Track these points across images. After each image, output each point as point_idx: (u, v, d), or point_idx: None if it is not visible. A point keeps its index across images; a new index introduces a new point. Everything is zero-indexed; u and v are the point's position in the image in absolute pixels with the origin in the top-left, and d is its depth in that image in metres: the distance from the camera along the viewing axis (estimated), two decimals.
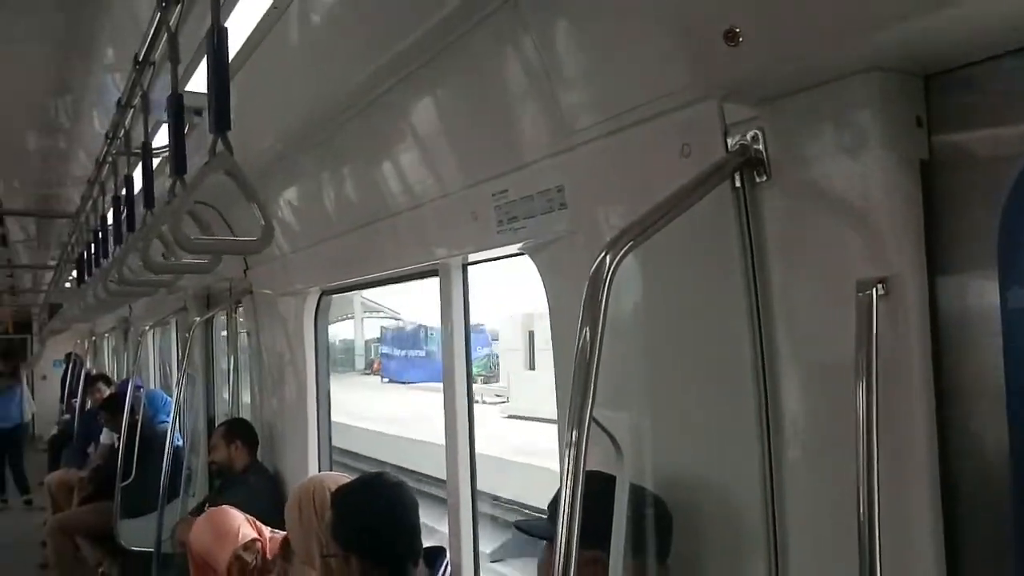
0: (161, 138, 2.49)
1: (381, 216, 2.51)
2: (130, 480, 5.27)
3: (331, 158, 2.39)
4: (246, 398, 5.28)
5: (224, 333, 5.31)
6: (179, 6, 1.39)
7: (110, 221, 3.98)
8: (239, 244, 1.42)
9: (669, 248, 1.28)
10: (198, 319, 4.56)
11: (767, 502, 1.33)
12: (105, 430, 6.53)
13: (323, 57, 1.72)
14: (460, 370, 2.44)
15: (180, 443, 6.09)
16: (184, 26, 1.49)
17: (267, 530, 2.89)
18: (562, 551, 1.03)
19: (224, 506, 3.00)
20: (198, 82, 2.02)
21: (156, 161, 2.66)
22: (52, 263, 7.46)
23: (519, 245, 2.01)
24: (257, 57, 1.79)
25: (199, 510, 3.87)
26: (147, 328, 5.92)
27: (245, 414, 5.04)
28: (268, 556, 2.70)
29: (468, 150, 2.03)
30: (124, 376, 8.00)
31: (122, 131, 2.10)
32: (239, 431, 3.92)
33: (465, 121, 2.01)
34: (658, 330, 1.43)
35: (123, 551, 5.23)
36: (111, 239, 2.89)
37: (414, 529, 1.82)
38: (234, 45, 1.77)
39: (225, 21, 1.63)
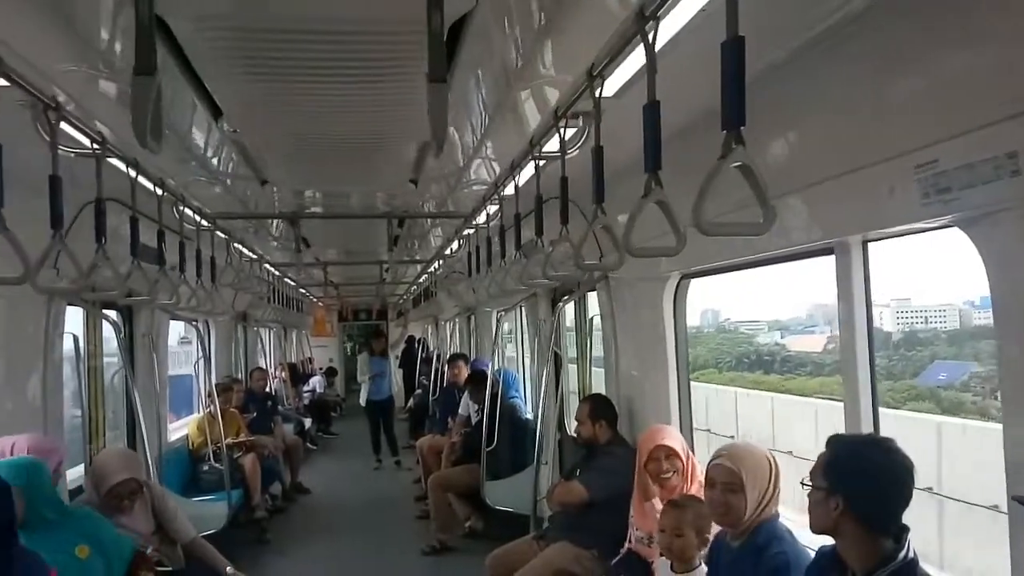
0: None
1: (772, 195, 2.54)
2: (492, 447, 5.97)
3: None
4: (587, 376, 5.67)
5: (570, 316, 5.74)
6: (654, 21, 1.57)
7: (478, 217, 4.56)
8: (749, 226, 1.55)
9: None
10: (560, 303, 4.96)
11: None
12: (463, 401, 7.45)
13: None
14: (862, 352, 2.40)
15: (529, 416, 6.76)
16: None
17: None
18: None
19: None
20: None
21: (538, 164, 2.98)
22: (418, 258, 8.61)
23: (950, 218, 1.93)
24: (682, 43, 1.92)
25: (570, 475, 4.26)
26: (502, 312, 6.60)
27: (590, 391, 5.43)
28: None
29: (890, 120, 1.98)
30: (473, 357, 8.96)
31: (556, 136, 2.40)
32: (601, 407, 4.19)
33: (890, 90, 1.97)
34: None
35: (487, 508, 5.95)
36: (513, 235, 3.27)
37: (905, 502, 1.84)
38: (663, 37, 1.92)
39: (663, 20, 1.78)
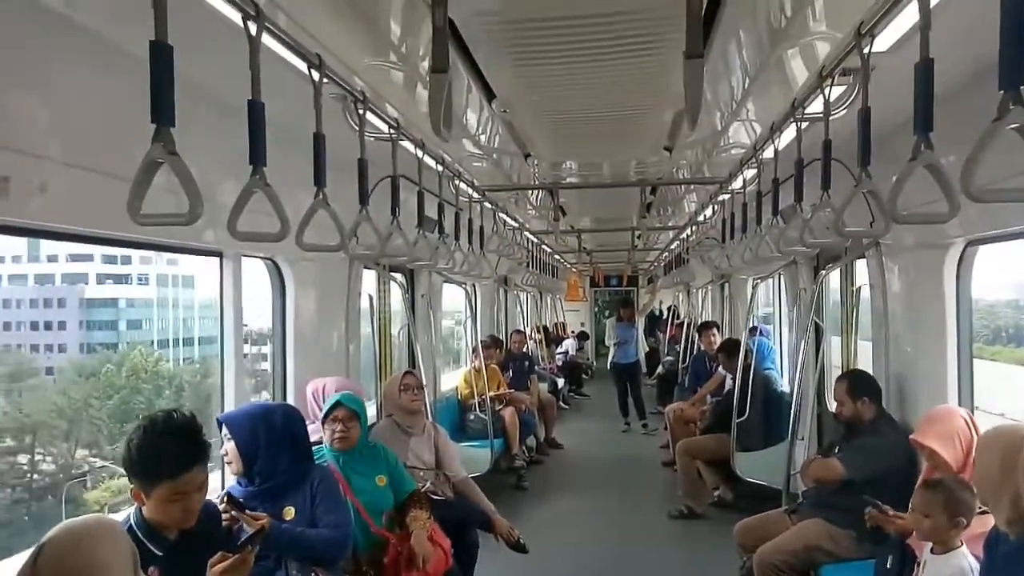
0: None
1: None
2: (744, 418, 5.85)
3: None
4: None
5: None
6: None
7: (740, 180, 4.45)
8: None
9: None
10: (823, 271, 4.71)
11: None
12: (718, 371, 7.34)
13: None
14: None
15: (784, 389, 6.51)
16: None
17: None
18: None
19: None
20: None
21: (800, 126, 2.85)
22: (670, 224, 8.62)
23: None
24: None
25: (827, 452, 4.08)
26: (759, 280, 6.40)
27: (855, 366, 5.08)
28: None
29: None
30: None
31: (819, 96, 2.31)
32: (863, 384, 3.94)
33: None
34: None
35: (736, 479, 5.87)
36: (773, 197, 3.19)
37: None
38: None
39: None
